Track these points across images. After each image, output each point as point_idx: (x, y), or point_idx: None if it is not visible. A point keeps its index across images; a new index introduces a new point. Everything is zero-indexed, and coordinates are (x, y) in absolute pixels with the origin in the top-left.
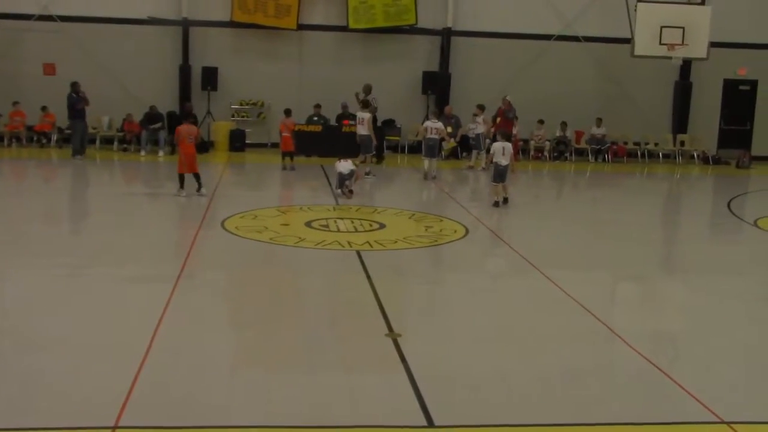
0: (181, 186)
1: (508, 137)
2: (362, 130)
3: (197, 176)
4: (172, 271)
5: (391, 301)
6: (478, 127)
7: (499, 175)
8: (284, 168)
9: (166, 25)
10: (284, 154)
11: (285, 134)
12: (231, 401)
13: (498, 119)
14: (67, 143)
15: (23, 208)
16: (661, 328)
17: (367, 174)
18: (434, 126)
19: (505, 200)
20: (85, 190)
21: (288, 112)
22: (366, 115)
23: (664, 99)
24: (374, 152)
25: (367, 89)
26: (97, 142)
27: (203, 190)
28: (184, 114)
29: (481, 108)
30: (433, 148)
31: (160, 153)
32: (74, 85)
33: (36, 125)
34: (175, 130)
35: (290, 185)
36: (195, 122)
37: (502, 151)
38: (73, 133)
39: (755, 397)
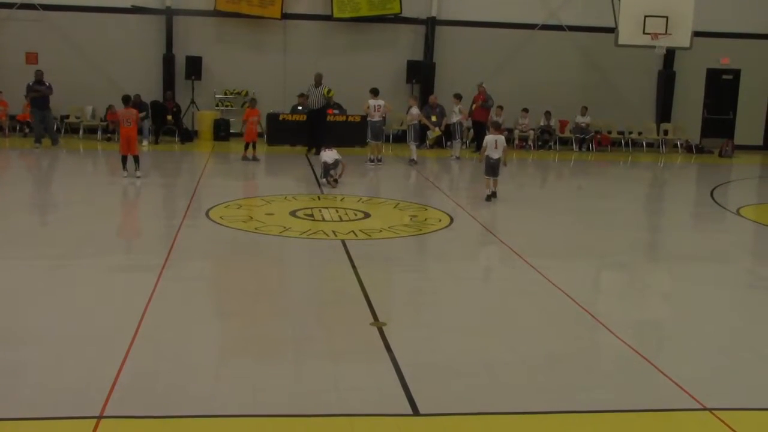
0: (124, 167)
1: (497, 128)
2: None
3: (136, 158)
4: (157, 260)
5: (376, 290)
6: (453, 116)
7: (491, 168)
8: (245, 158)
9: (149, 14)
10: (248, 145)
11: (251, 124)
12: (217, 390)
13: (473, 107)
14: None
15: (4, 198)
16: (645, 316)
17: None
18: (413, 112)
19: (494, 194)
20: (68, 180)
21: (253, 103)
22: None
23: (647, 88)
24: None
25: (318, 79)
26: (81, 131)
27: (139, 173)
28: (124, 98)
29: (458, 97)
30: (414, 134)
31: (144, 143)
32: (36, 74)
33: (18, 115)
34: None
35: (275, 174)
36: (135, 106)
37: (494, 144)
38: (32, 121)
39: (738, 384)
